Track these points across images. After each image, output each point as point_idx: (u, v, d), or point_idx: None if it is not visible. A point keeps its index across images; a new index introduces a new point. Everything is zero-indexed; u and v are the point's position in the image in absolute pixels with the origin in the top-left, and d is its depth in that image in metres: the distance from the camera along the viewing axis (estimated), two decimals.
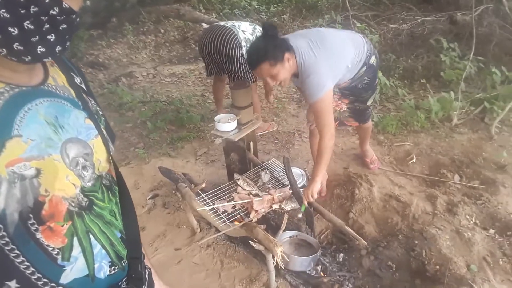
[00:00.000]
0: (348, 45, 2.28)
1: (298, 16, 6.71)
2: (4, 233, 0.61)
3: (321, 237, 2.49)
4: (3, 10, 0.56)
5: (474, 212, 2.41)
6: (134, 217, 0.87)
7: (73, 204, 0.69)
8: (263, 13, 7.16)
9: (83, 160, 0.72)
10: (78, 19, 0.66)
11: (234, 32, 3.19)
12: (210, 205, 2.19)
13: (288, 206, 2.29)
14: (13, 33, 0.58)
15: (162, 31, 7.25)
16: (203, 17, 6.81)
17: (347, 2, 5.29)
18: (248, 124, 2.53)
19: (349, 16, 4.88)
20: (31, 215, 0.63)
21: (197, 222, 2.53)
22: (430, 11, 5.36)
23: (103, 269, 0.76)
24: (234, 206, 2.25)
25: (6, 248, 0.62)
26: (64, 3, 0.61)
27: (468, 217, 2.37)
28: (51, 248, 0.66)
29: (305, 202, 2.21)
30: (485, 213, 2.40)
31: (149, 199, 2.94)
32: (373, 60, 2.45)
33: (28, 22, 0.58)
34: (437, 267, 2.08)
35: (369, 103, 2.63)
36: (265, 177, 2.48)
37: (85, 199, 0.72)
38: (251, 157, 2.65)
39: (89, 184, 0.73)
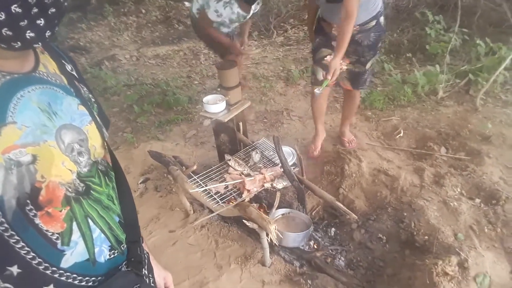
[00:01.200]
0: None
1: None
2: (3, 220, 0.61)
3: (313, 213, 2.54)
4: None
5: (460, 182, 2.48)
6: (132, 201, 0.88)
7: (70, 190, 0.70)
8: None
9: (78, 146, 0.72)
10: (66, 3, 0.65)
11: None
12: (203, 187, 2.20)
13: (280, 185, 2.31)
14: (0, 18, 0.56)
15: (144, 11, 7.07)
16: None
17: None
18: (237, 105, 2.52)
19: None
20: (28, 201, 0.63)
21: (190, 204, 2.55)
22: None
23: (103, 253, 0.77)
24: (226, 187, 2.27)
25: (6, 234, 0.62)
26: None
27: (454, 188, 2.44)
28: (50, 233, 0.67)
29: (328, 77, 2.32)
30: (470, 184, 2.47)
31: (140, 183, 2.93)
32: (382, 20, 2.50)
33: (15, 5, 0.57)
34: (426, 237, 2.14)
35: (368, 66, 2.64)
36: (255, 156, 2.50)
37: (82, 185, 0.73)
38: (241, 137, 2.66)
39: (85, 169, 0.74)
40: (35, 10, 0.59)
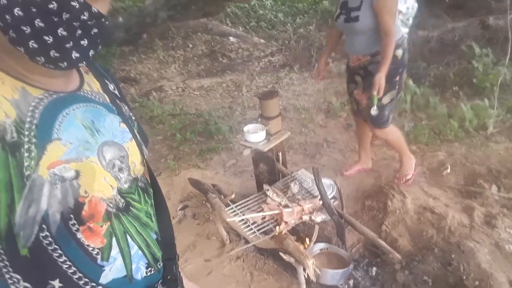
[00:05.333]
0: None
1: (324, 27, 6.71)
2: (47, 233, 0.63)
3: (353, 250, 2.44)
4: (38, 20, 0.58)
5: None
6: (169, 219, 0.88)
7: (111, 205, 0.71)
8: (288, 25, 7.21)
9: (119, 162, 0.74)
10: (106, 22, 0.68)
11: None
12: (240, 216, 2.20)
13: (319, 218, 2.25)
14: (48, 41, 0.60)
15: (191, 45, 7.43)
16: (230, 31, 6.95)
17: None
18: (277, 135, 2.53)
19: None
20: (72, 216, 0.65)
21: (227, 233, 2.54)
22: (460, 17, 5.24)
23: (140, 270, 0.77)
24: (264, 217, 2.25)
25: (50, 248, 0.64)
26: (93, 7, 0.63)
27: (508, 229, 2.26)
28: (91, 248, 0.68)
29: (374, 92, 2.36)
30: None
31: (179, 210, 2.98)
32: (399, 53, 2.44)
33: (61, 29, 0.61)
34: (477, 282, 1.98)
35: (385, 101, 2.54)
36: (294, 188, 2.47)
37: (122, 200, 0.74)
38: (280, 167, 2.65)
39: (126, 185, 0.75)
40: (79, 32, 0.63)
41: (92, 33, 0.65)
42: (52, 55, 0.61)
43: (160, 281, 0.84)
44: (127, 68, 6.79)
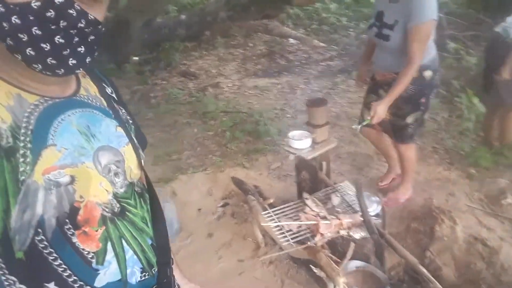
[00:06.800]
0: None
1: None
2: (43, 237, 0.65)
3: (391, 273, 2.32)
4: (35, 28, 0.59)
5: None
6: (164, 225, 0.89)
7: (106, 210, 0.72)
8: (351, 30, 7.02)
9: (114, 167, 0.75)
10: (103, 29, 0.68)
11: None
12: (275, 222, 2.18)
13: (357, 234, 2.17)
14: (45, 49, 0.61)
15: (251, 44, 7.52)
16: (290, 33, 6.92)
17: (444, 20, 4.92)
18: (323, 143, 2.48)
19: (444, 36, 4.54)
20: (67, 220, 0.67)
21: (262, 237, 2.54)
22: None
23: (134, 275, 0.78)
24: (299, 226, 2.21)
25: (45, 251, 0.65)
26: (89, 15, 0.64)
27: None
28: (86, 252, 0.70)
29: (368, 117, 2.25)
30: None
31: (219, 206, 3.03)
32: (427, 74, 2.30)
33: (59, 36, 0.61)
34: None
35: (408, 120, 2.44)
36: (335, 200, 2.40)
37: (118, 205, 0.75)
38: (323, 177, 2.59)
39: (121, 190, 0.76)
40: (76, 39, 0.64)
41: (89, 40, 0.66)
42: (49, 62, 0.62)
43: (154, 286, 0.84)
44: (188, 63, 7.03)
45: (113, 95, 0.87)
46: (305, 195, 2.40)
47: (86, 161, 0.70)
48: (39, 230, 0.64)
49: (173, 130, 4.42)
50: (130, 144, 0.81)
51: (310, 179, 2.56)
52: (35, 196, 0.63)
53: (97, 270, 0.71)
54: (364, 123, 2.41)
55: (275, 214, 2.27)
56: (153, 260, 0.83)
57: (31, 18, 0.59)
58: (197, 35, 6.86)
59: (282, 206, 2.35)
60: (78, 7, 0.62)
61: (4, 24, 0.58)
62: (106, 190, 0.73)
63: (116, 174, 0.75)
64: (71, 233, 0.67)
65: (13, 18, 0.58)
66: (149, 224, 0.84)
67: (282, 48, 6.98)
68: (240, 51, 7.38)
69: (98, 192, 0.71)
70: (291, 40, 6.74)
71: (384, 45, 2.32)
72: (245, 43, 7.56)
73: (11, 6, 0.58)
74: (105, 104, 0.82)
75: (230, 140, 4.04)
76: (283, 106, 4.95)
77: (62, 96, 0.72)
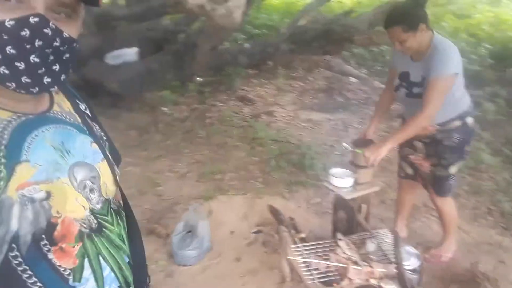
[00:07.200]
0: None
1: None
2: (17, 253, 0.62)
3: None
4: (10, 47, 0.59)
5: None
6: (141, 243, 0.88)
7: (84, 226, 0.71)
8: None
9: (90, 183, 0.74)
10: (78, 46, 0.68)
11: None
12: (303, 258, 2.12)
13: (389, 286, 2.04)
14: (20, 68, 0.61)
15: (311, 78, 7.60)
16: (352, 71, 6.91)
17: None
18: (364, 185, 2.40)
19: None
20: (43, 236, 0.65)
21: (290, 271, 2.47)
22: None
23: None
24: (328, 266, 2.13)
25: (19, 268, 0.63)
26: (64, 33, 0.64)
27: None
28: (62, 269, 0.68)
29: (366, 154, 2.18)
30: None
31: (252, 232, 3.02)
32: (470, 121, 2.27)
33: (34, 56, 0.62)
34: None
35: (451, 170, 2.35)
36: (370, 246, 2.29)
37: (95, 221, 0.74)
38: (361, 220, 2.49)
39: (98, 206, 0.76)
40: (51, 57, 0.64)
41: (64, 58, 0.66)
42: (24, 81, 0.62)
43: None
44: (247, 89, 7.25)
45: (87, 111, 0.87)
46: (339, 235, 2.32)
47: (62, 176, 0.70)
48: (14, 245, 0.62)
49: (221, 150, 4.53)
50: (105, 160, 0.81)
51: (347, 220, 2.47)
52: (9, 211, 0.61)
53: (74, 287, 0.69)
54: (357, 151, 2.36)
55: (305, 250, 2.21)
56: (130, 279, 0.81)
57: (5, 37, 0.59)
58: (259, 64, 7.10)
59: (313, 243, 2.29)
60: (53, 26, 0.62)
61: None
62: (83, 206, 0.72)
63: (91, 190, 0.75)
64: (47, 249, 0.66)
65: None
66: (126, 242, 0.83)
67: (341, 86, 6.96)
68: (299, 83, 7.48)
69: (75, 208, 0.70)
70: (352, 79, 6.71)
71: (417, 102, 2.28)
72: (305, 77, 7.65)
73: None
74: (79, 120, 0.81)
75: (274, 169, 4.05)
76: (333, 143, 4.89)
77: (35, 112, 0.71)
